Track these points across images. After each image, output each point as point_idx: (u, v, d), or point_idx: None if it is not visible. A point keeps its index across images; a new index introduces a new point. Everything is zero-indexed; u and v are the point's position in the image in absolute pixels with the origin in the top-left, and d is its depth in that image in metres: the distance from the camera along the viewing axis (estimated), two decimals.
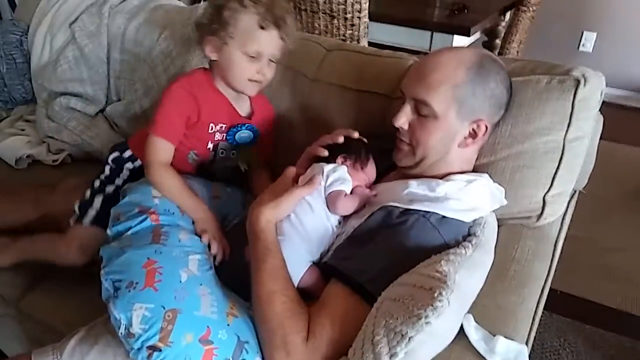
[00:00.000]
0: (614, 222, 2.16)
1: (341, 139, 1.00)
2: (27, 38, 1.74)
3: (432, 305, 0.67)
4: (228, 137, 1.12)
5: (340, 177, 0.95)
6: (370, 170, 1.01)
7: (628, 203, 2.30)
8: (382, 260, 0.84)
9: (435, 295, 0.68)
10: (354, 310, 0.80)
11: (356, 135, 1.02)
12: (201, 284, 0.86)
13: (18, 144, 1.58)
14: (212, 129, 1.09)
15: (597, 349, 1.59)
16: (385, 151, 1.03)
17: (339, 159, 0.99)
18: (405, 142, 0.96)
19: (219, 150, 1.13)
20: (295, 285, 0.87)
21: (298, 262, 0.90)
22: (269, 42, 1.02)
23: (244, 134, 1.13)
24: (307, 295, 0.87)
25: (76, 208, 1.13)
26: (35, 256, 1.14)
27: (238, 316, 0.84)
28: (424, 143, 0.94)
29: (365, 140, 1.03)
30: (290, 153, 1.10)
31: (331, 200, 0.93)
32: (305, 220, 0.92)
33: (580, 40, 3.23)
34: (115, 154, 1.17)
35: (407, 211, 0.89)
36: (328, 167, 0.96)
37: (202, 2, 1.55)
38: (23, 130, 1.67)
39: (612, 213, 2.22)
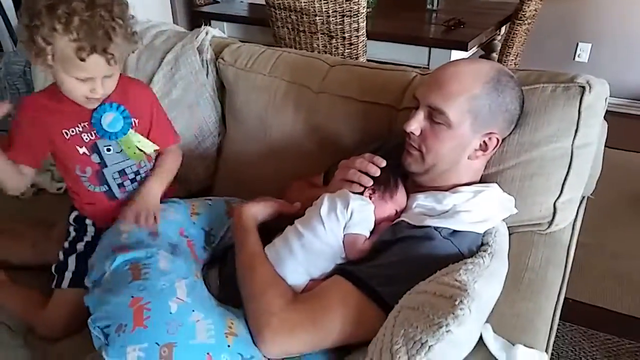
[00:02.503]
0: (622, 229, 2.16)
1: (373, 171, 0.95)
2: (30, 68, 1.76)
3: (454, 314, 0.66)
4: (96, 129, 1.04)
5: (365, 219, 0.93)
6: (400, 198, 0.98)
7: (635, 209, 2.29)
8: (392, 268, 0.85)
9: (457, 303, 0.67)
10: (353, 302, 0.83)
11: (384, 164, 0.97)
12: (193, 310, 0.83)
13: None
14: (68, 135, 1.03)
15: (615, 357, 1.57)
16: (394, 159, 1.03)
17: (367, 192, 0.96)
18: (415, 148, 0.96)
19: (103, 149, 1.06)
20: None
21: (297, 279, 0.90)
22: (94, 67, 0.92)
23: (109, 117, 1.04)
24: None
25: (53, 270, 1.11)
26: (16, 312, 1.12)
27: (238, 334, 0.82)
28: (435, 150, 0.94)
29: (389, 162, 0.99)
30: (296, 163, 1.11)
31: (349, 243, 0.91)
32: (316, 243, 0.91)
33: (575, 51, 3.27)
34: (75, 213, 1.16)
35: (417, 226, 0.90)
36: (356, 202, 0.93)
37: (202, 26, 1.57)
38: None
39: (620, 219, 2.21)
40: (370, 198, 0.96)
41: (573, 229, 1.07)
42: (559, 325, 1.55)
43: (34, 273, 1.20)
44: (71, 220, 1.16)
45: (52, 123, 1.02)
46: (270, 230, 1.01)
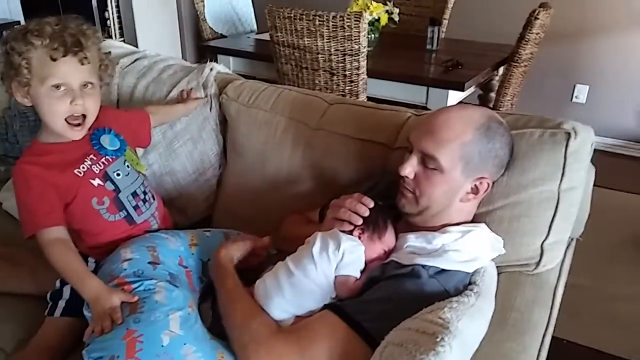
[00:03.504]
0: (616, 270, 2.16)
1: (362, 210, 0.98)
2: None
3: (434, 350, 0.68)
4: (103, 153, 1.10)
5: (356, 260, 0.95)
6: (389, 238, 1.01)
7: (628, 250, 2.30)
8: (379, 304, 0.87)
9: (438, 340, 0.69)
10: (340, 336, 0.84)
11: (372, 204, 0.99)
12: (185, 343, 0.85)
13: None
14: (81, 173, 1.07)
15: None
16: (387, 198, 1.06)
17: (356, 232, 0.98)
18: (409, 190, 1.00)
19: (113, 174, 1.11)
20: None
21: (282, 315, 0.92)
22: (68, 70, 0.98)
23: (106, 139, 1.12)
24: None
25: (48, 297, 1.12)
26: None
27: None
28: (428, 194, 0.97)
29: (379, 203, 1.02)
30: (293, 198, 1.14)
31: (340, 284, 0.93)
32: (306, 282, 0.93)
33: (573, 92, 3.34)
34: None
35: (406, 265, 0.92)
36: (347, 242, 0.95)
37: (208, 62, 1.63)
38: None
39: (614, 260, 2.22)
40: (360, 238, 0.98)
41: (561, 270, 1.09)
42: None
43: (32, 301, 1.21)
44: None
45: (60, 171, 1.04)
46: (248, 268, 1.05)
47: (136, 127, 1.27)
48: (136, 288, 0.94)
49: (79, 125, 1.03)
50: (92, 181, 1.08)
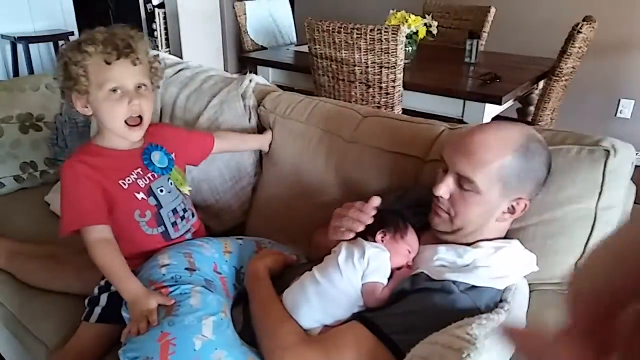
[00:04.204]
0: None
1: (364, 219, 0.97)
2: None
3: None
4: (151, 169, 1.13)
5: (382, 266, 0.95)
6: (412, 240, 1.01)
7: None
8: (408, 317, 0.87)
9: (464, 356, 0.69)
10: (367, 346, 0.84)
11: (378, 201, 0.98)
12: (216, 348, 0.87)
13: None
14: (125, 185, 1.09)
15: None
16: (419, 207, 1.06)
17: (378, 235, 0.99)
18: (444, 210, 0.98)
19: (157, 190, 1.14)
20: None
21: (310, 324, 0.93)
22: (123, 72, 1.03)
23: (156, 155, 1.15)
24: None
25: (86, 303, 1.15)
26: None
27: None
28: (463, 215, 0.96)
29: (398, 210, 1.03)
30: (324, 208, 1.15)
31: (367, 292, 0.93)
32: (332, 291, 0.94)
33: (617, 107, 3.24)
34: None
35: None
36: (371, 250, 0.96)
37: (247, 74, 1.68)
38: None
39: None
40: (382, 240, 0.99)
41: None
42: None
43: (75, 299, 1.27)
44: None
45: (108, 177, 1.08)
46: (276, 280, 1.06)
47: (194, 149, 1.31)
48: (173, 292, 0.98)
49: (137, 125, 1.07)
50: (136, 194, 1.11)
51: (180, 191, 1.19)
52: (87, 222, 1.03)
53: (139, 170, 1.13)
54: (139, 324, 0.92)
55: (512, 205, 0.96)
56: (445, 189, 0.96)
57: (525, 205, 0.97)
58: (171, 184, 1.18)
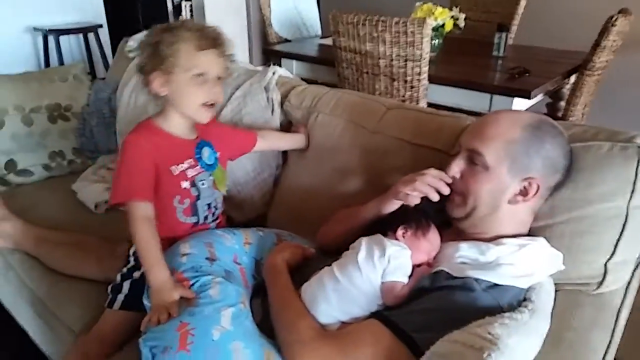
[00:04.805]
0: None
1: (442, 186, 0.97)
2: (115, 95, 1.95)
3: None
4: (200, 164, 1.17)
5: (403, 265, 0.94)
6: (433, 237, 1.00)
7: None
8: (428, 315, 0.85)
9: (485, 356, 0.67)
10: (386, 343, 0.84)
11: (450, 180, 0.98)
12: (234, 339, 0.87)
13: (98, 190, 1.72)
14: (175, 171, 1.13)
15: None
16: (438, 203, 1.05)
17: (400, 231, 0.99)
18: (457, 193, 0.98)
19: (199, 182, 1.18)
20: None
21: (328, 320, 0.93)
22: (211, 61, 1.09)
23: (206, 152, 1.20)
24: None
25: (109, 290, 1.19)
26: None
27: None
28: (474, 192, 0.96)
29: (421, 205, 1.01)
30: (346, 199, 1.15)
31: (387, 290, 0.92)
32: (352, 290, 0.93)
33: None
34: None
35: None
36: (392, 248, 0.95)
37: (271, 65, 1.68)
38: (104, 177, 1.82)
39: None
40: (404, 237, 0.98)
41: (626, 291, 1.02)
42: None
43: (97, 286, 1.30)
44: (131, 254, 1.21)
45: (163, 159, 1.12)
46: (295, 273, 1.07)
47: (236, 147, 1.35)
48: (193, 284, 0.98)
49: (211, 106, 1.12)
50: (182, 182, 1.15)
51: (217, 189, 1.23)
52: (137, 196, 1.06)
53: (190, 160, 1.17)
54: (159, 314, 0.93)
55: (525, 187, 0.95)
56: (456, 168, 0.98)
57: (538, 186, 0.95)
58: (212, 180, 1.21)
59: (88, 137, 1.90)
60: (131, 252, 1.22)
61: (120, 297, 1.17)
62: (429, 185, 0.97)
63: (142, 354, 0.88)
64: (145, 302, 1.01)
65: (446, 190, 0.97)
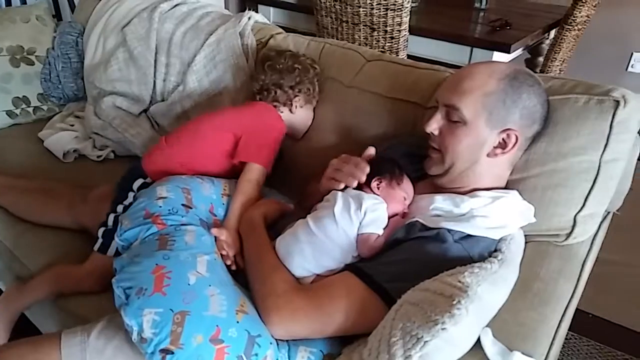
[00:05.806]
0: None
1: (366, 170, 1.00)
2: (82, 39, 1.85)
3: (450, 312, 0.68)
4: None
5: (379, 218, 0.94)
6: (407, 186, 1.01)
7: None
8: (400, 265, 0.87)
9: (454, 302, 0.69)
10: (359, 294, 0.85)
11: (372, 152, 1.04)
12: (210, 285, 0.87)
13: (66, 139, 1.67)
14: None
15: None
16: (414, 157, 1.05)
17: (374, 182, 0.98)
18: (435, 149, 0.98)
19: None
20: None
21: (303, 273, 0.93)
22: None
23: None
24: None
25: (100, 234, 1.15)
26: (54, 292, 1.16)
27: (248, 312, 0.86)
28: (452, 149, 0.95)
29: (394, 159, 1.03)
30: (320, 155, 1.13)
31: (362, 242, 0.93)
32: (327, 243, 0.93)
33: (629, 61, 3.14)
34: (140, 181, 1.20)
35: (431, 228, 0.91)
36: (368, 201, 0.95)
37: (247, 10, 1.61)
38: (72, 125, 1.76)
39: None
40: (378, 188, 0.98)
41: (592, 243, 1.05)
42: (575, 339, 1.54)
43: (68, 234, 1.28)
44: (135, 188, 1.18)
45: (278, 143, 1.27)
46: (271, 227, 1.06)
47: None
48: (170, 225, 0.98)
49: None
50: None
51: None
52: (268, 166, 1.19)
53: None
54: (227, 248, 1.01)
55: (503, 139, 0.94)
56: (435, 124, 0.97)
57: (516, 137, 0.94)
58: None
59: (54, 82, 1.81)
60: (135, 186, 1.18)
61: (114, 244, 1.12)
62: (347, 174, 1.00)
63: (114, 294, 0.88)
64: (116, 238, 1.01)
65: (362, 178, 0.98)
